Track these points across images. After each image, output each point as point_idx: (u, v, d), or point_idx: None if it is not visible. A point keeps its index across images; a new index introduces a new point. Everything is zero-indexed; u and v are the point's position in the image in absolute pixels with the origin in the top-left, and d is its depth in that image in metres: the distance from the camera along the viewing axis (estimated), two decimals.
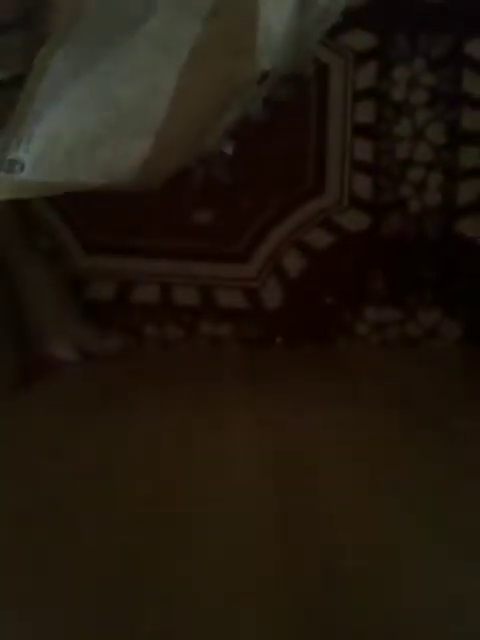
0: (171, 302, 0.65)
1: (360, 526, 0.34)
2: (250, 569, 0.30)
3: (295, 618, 0.27)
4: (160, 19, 0.35)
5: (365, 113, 0.62)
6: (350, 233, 0.63)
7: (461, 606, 0.28)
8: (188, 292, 0.65)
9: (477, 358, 0.61)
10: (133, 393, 0.51)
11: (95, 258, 0.65)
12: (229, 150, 0.47)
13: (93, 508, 0.35)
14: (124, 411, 0.47)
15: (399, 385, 0.55)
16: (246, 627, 0.27)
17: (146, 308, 0.65)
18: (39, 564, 0.31)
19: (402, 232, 0.63)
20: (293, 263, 0.64)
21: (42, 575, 0.30)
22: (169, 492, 0.37)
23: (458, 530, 0.34)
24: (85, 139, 0.36)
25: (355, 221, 0.63)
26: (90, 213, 0.63)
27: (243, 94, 0.41)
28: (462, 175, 0.62)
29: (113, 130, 0.37)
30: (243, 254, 0.64)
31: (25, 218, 0.61)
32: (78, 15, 0.33)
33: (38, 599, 0.28)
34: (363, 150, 0.62)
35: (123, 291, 0.65)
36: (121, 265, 0.65)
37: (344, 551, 0.32)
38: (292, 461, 0.40)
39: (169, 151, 0.40)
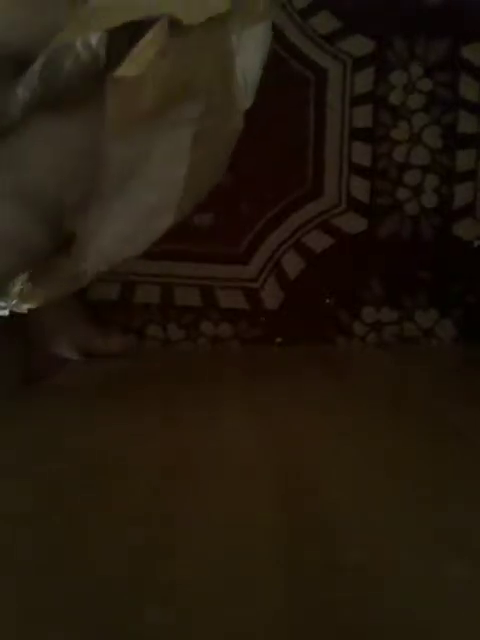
0: (172, 303, 0.65)
1: (360, 524, 0.34)
2: (249, 567, 0.30)
3: (295, 616, 0.27)
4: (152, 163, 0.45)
5: (363, 117, 0.62)
6: (348, 235, 0.64)
7: (461, 605, 0.28)
8: (189, 293, 0.65)
9: (472, 356, 0.62)
10: (134, 392, 0.52)
11: None
12: None
13: (93, 506, 0.35)
14: (124, 410, 0.47)
15: (397, 383, 0.56)
16: (245, 624, 0.27)
17: (148, 308, 0.66)
18: (39, 561, 0.31)
19: (399, 234, 0.64)
20: (292, 264, 0.64)
21: (42, 575, 0.30)
22: (169, 491, 0.37)
23: (458, 529, 0.34)
24: (118, 239, 0.46)
25: (353, 223, 0.64)
26: None
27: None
28: (458, 178, 0.63)
29: (141, 224, 0.46)
30: (243, 256, 0.65)
31: None
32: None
33: (38, 595, 0.28)
34: (361, 153, 0.63)
35: (126, 292, 0.66)
36: (124, 267, 0.65)
37: (344, 549, 0.32)
38: (292, 460, 0.41)
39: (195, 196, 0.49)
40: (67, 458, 0.40)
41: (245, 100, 0.46)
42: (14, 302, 0.48)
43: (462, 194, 0.63)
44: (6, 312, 0.50)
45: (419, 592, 0.29)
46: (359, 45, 0.62)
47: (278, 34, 0.60)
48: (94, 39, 0.40)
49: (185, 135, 0.45)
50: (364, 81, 0.62)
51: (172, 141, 0.45)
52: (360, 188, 0.63)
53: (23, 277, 0.47)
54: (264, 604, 0.28)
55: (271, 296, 0.65)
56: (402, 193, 0.63)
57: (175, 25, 0.40)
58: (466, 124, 0.62)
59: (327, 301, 0.64)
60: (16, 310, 0.50)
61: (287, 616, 0.27)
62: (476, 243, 0.63)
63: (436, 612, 0.28)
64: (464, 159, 0.63)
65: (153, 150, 0.44)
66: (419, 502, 0.36)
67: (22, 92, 0.40)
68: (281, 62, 0.61)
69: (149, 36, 0.40)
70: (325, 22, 0.61)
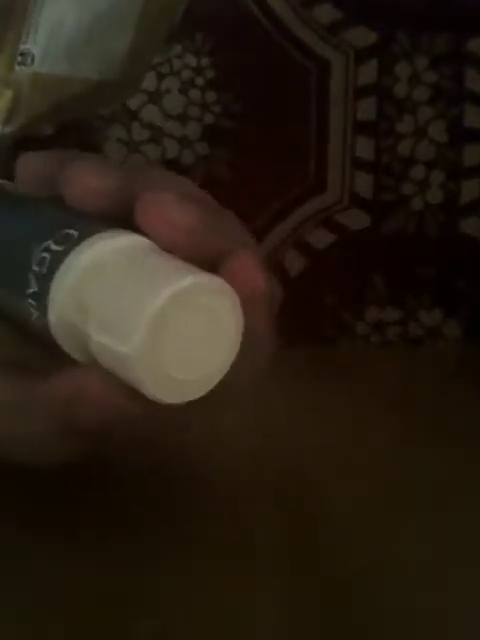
0: None
1: (361, 528, 0.34)
2: (248, 573, 0.30)
3: (295, 621, 0.27)
4: None
5: (366, 110, 0.62)
6: (351, 232, 0.63)
7: (462, 612, 0.28)
8: None
9: (478, 357, 0.61)
10: None
11: None
12: None
13: (92, 506, 0.35)
14: None
15: (400, 385, 0.55)
16: (244, 629, 0.27)
17: None
18: (38, 562, 0.31)
19: (403, 231, 0.63)
20: (293, 262, 0.63)
21: (42, 580, 0.30)
22: (166, 480, 0.37)
23: (459, 532, 0.34)
24: (82, 33, 0.40)
25: (356, 220, 0.63)
26: None
27: None
28: (464, 173, 0.62)
29: (104, 22, 0.40)
30: None
31: None
32: None
33: (38, 601, 0.28)
34: (364, 148, 0.62)
35: None
36: None
37: (344, 551, 0.32)
38: (292, 462, 0.40)
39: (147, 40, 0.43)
40: None
41: None
42: None
43: (469, 190, 0.62)
44: None
45: (420, 598, 0.28)
46: (362, 36, 0.61)
47: (279, 24, 0.60)
48: None
49: None
50: (368, 73, 0.61)
51: None
52: (363, 183, 0.62)
53: None
54: (263, 609, 0.28)
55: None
56: (407, 188, 0.62)
57: None
58: (473, 118, 0.62)
59: (329, 300, 0.63)
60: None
61: (287, 621, 0.27)
62: None
63: (437, 618, 0.28)
64: (471, 154, 0.62)
65: None
66: (422, 506, 0.36)
67: None
68: (282, 53, 0.60)
69: None
70: (327, 13, 0.60)
